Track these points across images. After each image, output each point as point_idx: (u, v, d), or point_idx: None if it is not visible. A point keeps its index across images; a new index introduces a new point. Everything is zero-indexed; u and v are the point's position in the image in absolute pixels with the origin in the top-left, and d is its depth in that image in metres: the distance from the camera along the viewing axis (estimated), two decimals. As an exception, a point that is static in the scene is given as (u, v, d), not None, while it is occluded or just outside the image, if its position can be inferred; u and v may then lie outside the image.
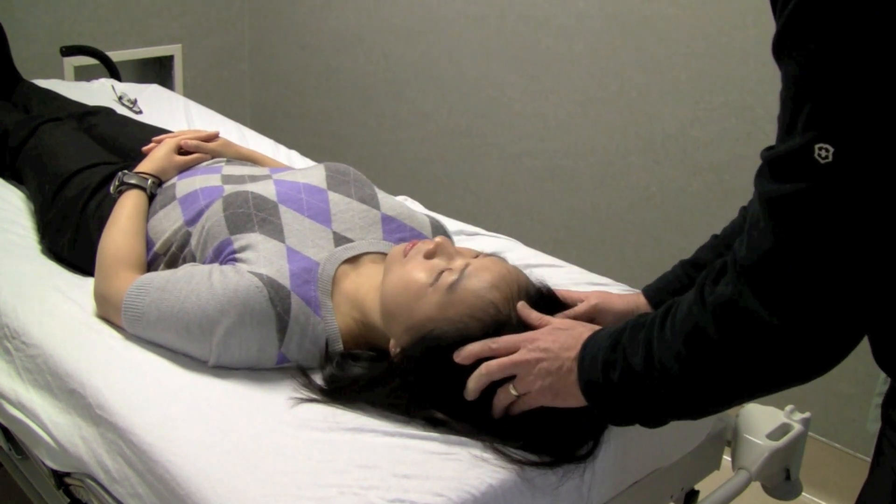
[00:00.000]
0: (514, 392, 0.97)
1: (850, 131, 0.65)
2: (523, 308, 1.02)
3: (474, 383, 0.98)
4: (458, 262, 1.07)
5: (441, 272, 1.05)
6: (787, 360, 0.77)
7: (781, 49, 0.69)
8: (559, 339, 0.95)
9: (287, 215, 1.23)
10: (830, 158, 0.66)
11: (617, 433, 1.04)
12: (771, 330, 0.74)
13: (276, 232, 1.19)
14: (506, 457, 0.97)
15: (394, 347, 1.07)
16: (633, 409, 0.89)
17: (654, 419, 0.90)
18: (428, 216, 1.38)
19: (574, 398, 0.93)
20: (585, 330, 0.96)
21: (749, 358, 0.78)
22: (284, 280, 1.11)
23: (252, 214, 1.21)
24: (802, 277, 0.71)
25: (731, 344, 0.78)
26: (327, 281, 1.16)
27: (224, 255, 1.17)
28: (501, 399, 0.98)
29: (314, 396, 1.05)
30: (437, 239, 1.11)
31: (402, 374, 1.04)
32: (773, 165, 0.71)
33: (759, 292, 0.74)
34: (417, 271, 1.07)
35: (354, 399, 1.04)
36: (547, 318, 1.01)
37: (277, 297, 1.09)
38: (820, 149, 0.66)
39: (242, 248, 1.16)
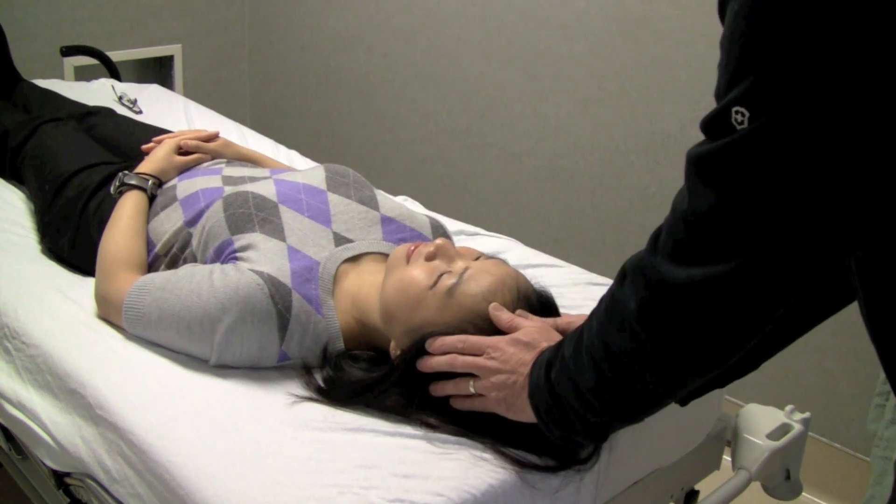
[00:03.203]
0: (472, 389, 0.98)
1: (765, 96, 0.66)
2: (495, 309, 1.02)
3: (434, 362, 0.99)
4: (458, 265, 1.07)
5: (441, 275, 1.05)
6: (737, 308, 0.76)
7: (721, 10, 0.71)
8: (518, 353, 0.96)
9: (287, 215, 1.23)
10: (746, 124, 0.67)
11: (617, 433, 1.04)
12: (718, 280, 0.74)
13: (276, 231, 1.19)
14: (506, 457, 0.97)
15: (394, 350, 1.07)
16: (582, 419, 0.90)
17: (609, 423, 0.92)
18: (428, 216, 1.38)
19: (525, 415, 0.94)
20: (548, 344, 0.96)
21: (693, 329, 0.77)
22: (285, 278, 1.11)
23: (252, 214, 1.21)
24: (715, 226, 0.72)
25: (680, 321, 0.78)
26: (328, 279, 1.16)
27: (225, 255, 1.17)
28: (459, 387, 0.99)
29: (314, 396, 1.05)
30: (438, 241, 1.11)
31: (400, 376, 1.04)
32: (703, 129, 0.73)
33: (681, 258, 0.75)
34: (417, 274, 1.07)
35: (353, 401, 1.04)
36: (518, 321, 1.00)
37: (278, 295, 1.09)
38: (736, 112, 0.67)
39: (243, 248, 1.16)
